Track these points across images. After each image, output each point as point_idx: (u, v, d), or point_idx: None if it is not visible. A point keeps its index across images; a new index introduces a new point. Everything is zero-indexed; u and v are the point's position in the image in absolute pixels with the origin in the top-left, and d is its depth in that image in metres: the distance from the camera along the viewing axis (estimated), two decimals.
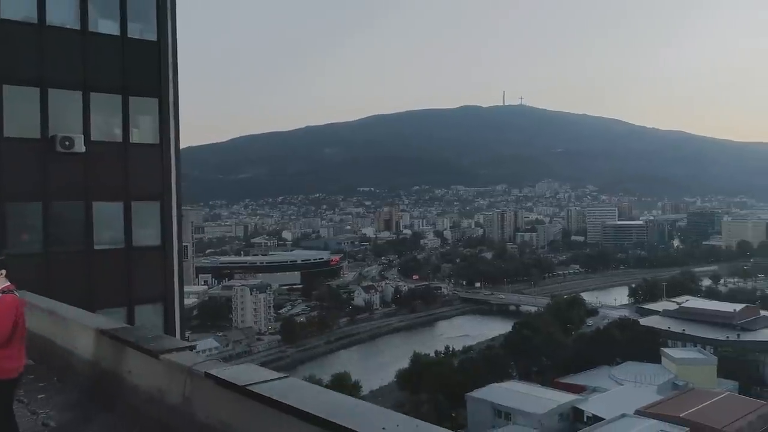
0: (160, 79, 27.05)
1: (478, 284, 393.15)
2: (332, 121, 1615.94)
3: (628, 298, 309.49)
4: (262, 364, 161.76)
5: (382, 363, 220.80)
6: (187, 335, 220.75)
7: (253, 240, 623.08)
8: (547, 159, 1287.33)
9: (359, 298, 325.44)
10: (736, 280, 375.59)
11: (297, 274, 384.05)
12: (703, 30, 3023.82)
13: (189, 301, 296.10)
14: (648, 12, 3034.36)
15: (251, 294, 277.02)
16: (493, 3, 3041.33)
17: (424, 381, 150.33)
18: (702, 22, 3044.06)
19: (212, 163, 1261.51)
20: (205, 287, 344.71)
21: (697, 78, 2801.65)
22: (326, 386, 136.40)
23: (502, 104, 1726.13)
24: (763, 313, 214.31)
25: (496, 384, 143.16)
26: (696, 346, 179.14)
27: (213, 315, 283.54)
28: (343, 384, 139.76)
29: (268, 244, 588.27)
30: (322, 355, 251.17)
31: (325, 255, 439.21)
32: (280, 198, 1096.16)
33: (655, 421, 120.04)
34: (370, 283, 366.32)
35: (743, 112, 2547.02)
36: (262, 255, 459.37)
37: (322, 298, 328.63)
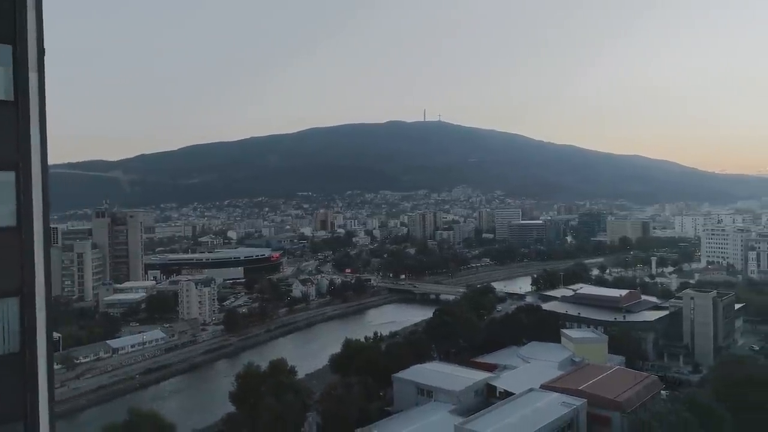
0: (16, 24, 19.86)
1: (403, 276, 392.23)
2: (274, 133, 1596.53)
3: (531, 286, 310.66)
4: (207, 353, 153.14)
5: (317, 348, 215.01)
6: (132, 325, 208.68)
7: (200, 239, 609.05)
8: (461, 168, 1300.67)
9: (297, 290, 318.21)
10: (619, 269, 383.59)
11: (240, 269, 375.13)
12: (594, 59, 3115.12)
13: (137, 296, 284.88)
14: (548, 43, 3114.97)
15: (196, 288, 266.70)
16: (414, 33, 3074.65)
17: (354, 364, 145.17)
18: (593, 52, 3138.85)
19: (164, 170, 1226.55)
20: (154, 282, 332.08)
21: (585, 100, 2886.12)
22: (264, 372, 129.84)
23: (423, 120, 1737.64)
24: (644, 297, 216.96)
25: (419, 365, 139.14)
26: (589, 327, 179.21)
27: (160, 308, 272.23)
28: (279, 369, 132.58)
29: (215, 242, 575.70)
30: (263, 343, 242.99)
31: (266, 252, 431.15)
32: (227, 201, 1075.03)
33: (558, 393, 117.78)
34: (307, 277, 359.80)
35: (621, 129, 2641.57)
36: (209, 252, 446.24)
37: (263, 290, 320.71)
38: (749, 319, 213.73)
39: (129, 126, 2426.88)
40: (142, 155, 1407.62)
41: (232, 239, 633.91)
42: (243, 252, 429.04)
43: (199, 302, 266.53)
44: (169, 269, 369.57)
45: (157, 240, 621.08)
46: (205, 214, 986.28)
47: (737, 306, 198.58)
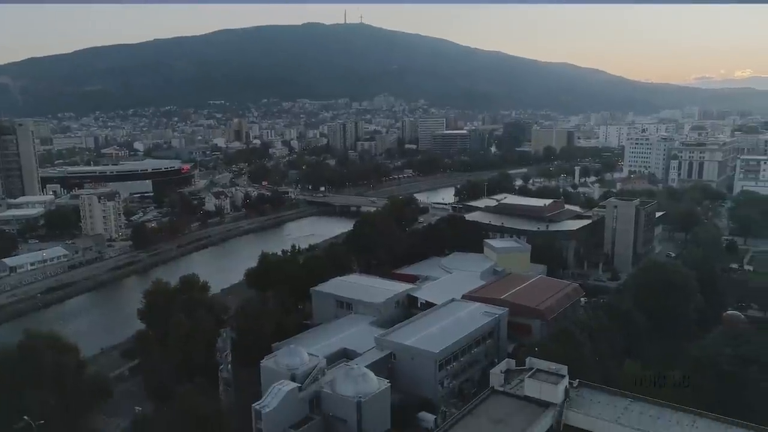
0: None
1: (323, 189, 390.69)
2: (180, 35, 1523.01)
3: (454, 197, 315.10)
4: (114, 269, 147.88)
5: (233, 263, 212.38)
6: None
7: (103, 151, 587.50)
8: (384, 75, 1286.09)
9: (210, 203, 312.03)
10: (543, 179, 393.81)
11: (148, 182, 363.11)
12: None
13: (34, 211, 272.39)
14: None
15: (99, 202, 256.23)
16: None
17: (271, 278, 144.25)
18: None
19: (58, 76, 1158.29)
20: (53, 197, 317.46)
21: (515, 6, 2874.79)
22: (175, 288, 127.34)
23: (343, 22, 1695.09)
24: (567, 207, 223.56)
25: (338, 278, 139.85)
26: (512, 237, 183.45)
27: (61, 224, 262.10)
28: (192, 285, 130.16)
29: (120, 154, 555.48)
30: (175, 259, 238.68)
31: (176, 164, 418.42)
32: (131, 110, 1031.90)
33: (479, 303, 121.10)
34: (221, 190, 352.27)
35: (551, 36, 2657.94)
36: (113, 165, 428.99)
37: (174, 204, 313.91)
38: (668, 227, 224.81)
39: (14, 26, 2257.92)
40: (32, 59, 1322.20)
41: (139, 151, 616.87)
42: (151, 164, 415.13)
43: (104, 217, 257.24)
44: (69, 183, 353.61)
45: (55, 152, 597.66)
46: (108, 124, 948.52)
47: (658, 214, 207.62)
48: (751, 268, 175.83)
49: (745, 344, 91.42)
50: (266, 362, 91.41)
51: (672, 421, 66.32)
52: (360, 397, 79.85)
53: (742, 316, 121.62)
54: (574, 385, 72.84)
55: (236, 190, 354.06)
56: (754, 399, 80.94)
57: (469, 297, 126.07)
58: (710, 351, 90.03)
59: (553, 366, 73.42)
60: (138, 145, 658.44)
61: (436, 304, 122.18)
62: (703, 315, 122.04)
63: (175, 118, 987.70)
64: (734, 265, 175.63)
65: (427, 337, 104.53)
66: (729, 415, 67.54)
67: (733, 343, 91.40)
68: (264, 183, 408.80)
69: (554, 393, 68.94)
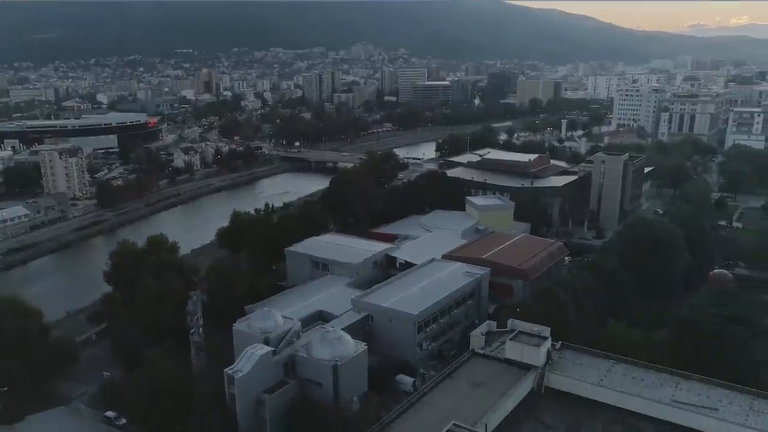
0: None
1: (297, 143, 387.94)
2: None
3: (435, 152, 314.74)
4: (79, 229, 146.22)
5: (203, 223, 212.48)
6: None
7: (64, 104, 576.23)
8: (361, 23, 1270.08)
9: (179, 160, 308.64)
10: (528, 133, 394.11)
11: (113, 137, 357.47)
12: None
13: None
14: None
15: (61, 158, 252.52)
16: None
17: (244, 238, 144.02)
18: None
19: (12, 22, 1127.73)
20: (11, 153, 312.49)
21: None
22: (142, 249, 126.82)
23: None
24: (552, 162, 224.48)
25: (314, 237, 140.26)
26: (495, 194, 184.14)
27: (21, 181, 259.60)
28: (160, 246, 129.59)
29: (82, 107, 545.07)
30: (142, 218, 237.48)
31: (142, 117, 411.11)
32: (93, 60, 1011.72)
33: (460, 263, 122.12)
34: (191, 145, 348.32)
35: None
36: (75, 119, 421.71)
37: (141, 161, 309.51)
38: (656, 183, 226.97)
39: None
40: None
41: (103, 103, 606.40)
42: (115, 118, 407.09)
43: (66, 175, 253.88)
44: (28, 138, 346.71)
45: (13, 105, 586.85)
46: (69, 75, 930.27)
47: (646, 170, 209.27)
48: (740, 226, 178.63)
49: (732, 304, 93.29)
50: (239, 325, 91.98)
51: (656, 382, 67.74)
52: (336, 360, 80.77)
53: (730, 274, 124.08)
54: (557, 347, 73.99)
55: (206, 145, 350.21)
56: (739, 359, 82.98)
57: (449, 257, 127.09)
58: (696, 311, 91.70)
59: (535, 328, 74.40)
60: (101, 98, 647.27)
61: (415, 265, 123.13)
62: (691, 274, 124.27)
63: (140, 68, 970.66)
64: (723, 222, 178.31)
65: (406, 298, 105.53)
66: (714, 376, 69.15)
67: (719, 303, 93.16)
68: (236, 138, 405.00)
69: (536, 355, 69.99)
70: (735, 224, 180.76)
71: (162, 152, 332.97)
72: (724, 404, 63.07)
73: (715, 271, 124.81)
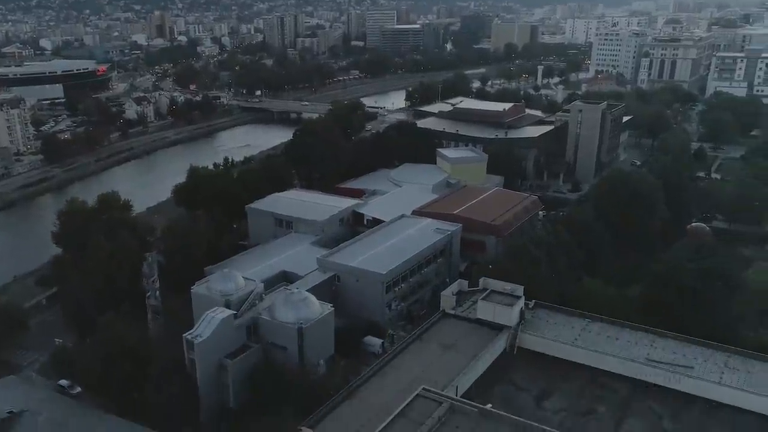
0: None
1: (258, 93, 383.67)
2: None
3: (405, 101, 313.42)
4: (24, 187, 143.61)
5: (159, 179, 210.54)
6: None
7: (4, 50, 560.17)
8: None
9: (131, 111, 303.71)
10: (503, 81, 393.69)
11: (59, 87, 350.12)
12: None
13: None
14: None
15: (2, 110, 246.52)
16: None
17: (202, 195, 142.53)
18: None
19: None
20: None
21: None
22: (93, 208, 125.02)
23: None
24: (528, 111, 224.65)
25: (276, 194, 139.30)
26: (468, 145, 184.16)
27: None
28: (112, 204, 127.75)
29: (23, 54, 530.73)
30: (93, 174, 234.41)
31: (90, 65, 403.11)
32: (35, 1, 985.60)
33: (431, 219, 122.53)
34: (143, 95, 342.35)
35: None
36: (16, 66, 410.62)
37: (90, 112, 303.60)
38: (635, 133, 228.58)
39: None
40: None
41: (46, 50, 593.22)
42: (61, 65, 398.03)
43: (8, 128, 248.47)
44: None
45: None
46: (8, 17, 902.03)
47: (625, 119, 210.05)
48: (718, 177, 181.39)
49: (709, 258, 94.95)
50: (198, 288, 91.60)
51: (631, 341, 69.35)
52: (301, 323, 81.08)
53: (707, 228, 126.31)
54: (530, 306, 75.15)
55: (160, 95, 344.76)
56: (716, 315, 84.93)
57: (419, 213, 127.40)
58: (673, 266, 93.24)
59: (508, 286, 75.30)
60: (45, 43, 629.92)
61: (383, 221, 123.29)
62: (668, 227, 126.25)
63: (87, 11, 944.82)
64: (701, 173, 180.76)
65: (374, 257, 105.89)
66: (691, 333, 70.88)
67: (696, 257, 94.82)
68: (192, 87, 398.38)
69: (508, 315, 70.97)
70: (713, 175, 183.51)
71: (113, 103, 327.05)
72: (699, 362, 64.92)
73: (693, 224, 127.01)
